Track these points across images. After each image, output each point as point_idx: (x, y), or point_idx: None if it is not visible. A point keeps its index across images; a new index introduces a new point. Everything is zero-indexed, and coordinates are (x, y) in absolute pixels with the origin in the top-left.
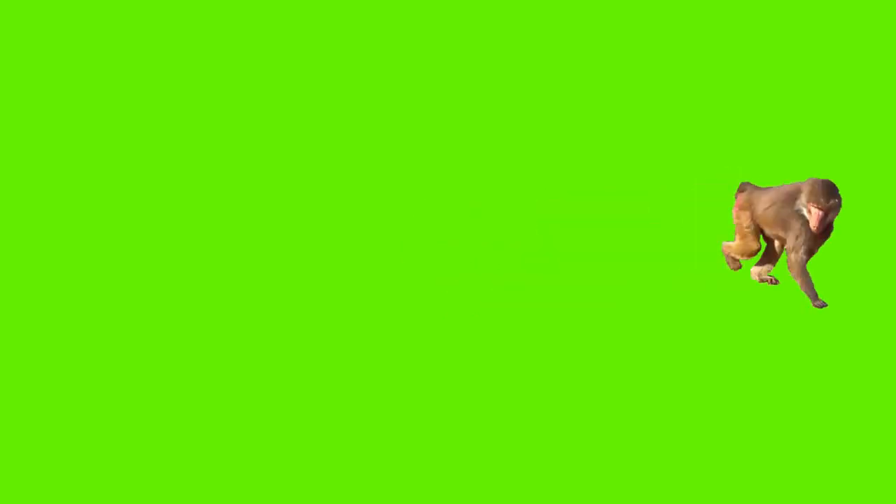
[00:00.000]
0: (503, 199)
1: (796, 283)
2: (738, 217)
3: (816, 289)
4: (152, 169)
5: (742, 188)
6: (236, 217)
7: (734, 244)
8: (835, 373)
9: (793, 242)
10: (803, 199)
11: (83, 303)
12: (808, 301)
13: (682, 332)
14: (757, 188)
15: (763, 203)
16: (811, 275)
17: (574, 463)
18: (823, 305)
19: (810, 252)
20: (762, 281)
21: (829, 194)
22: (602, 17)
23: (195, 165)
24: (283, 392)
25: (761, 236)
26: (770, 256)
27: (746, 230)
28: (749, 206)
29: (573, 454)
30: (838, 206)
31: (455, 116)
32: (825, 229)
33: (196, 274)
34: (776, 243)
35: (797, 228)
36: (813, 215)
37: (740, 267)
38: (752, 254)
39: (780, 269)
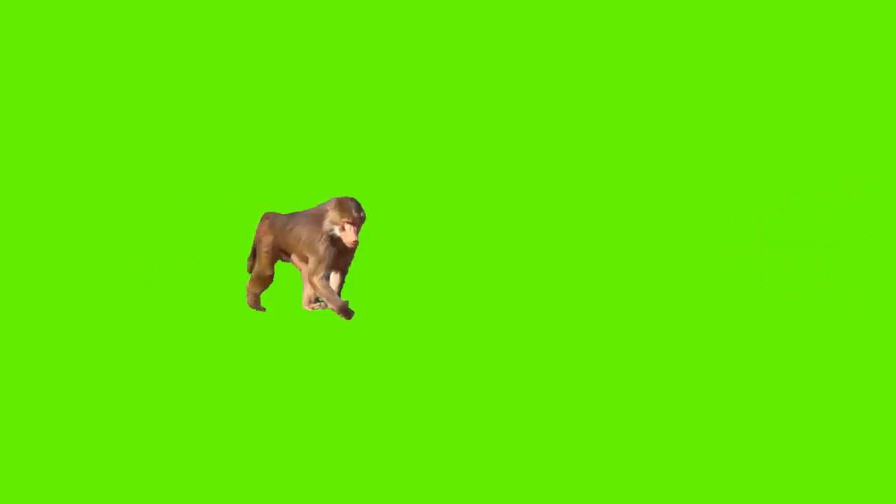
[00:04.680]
0: (498, 200)
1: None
2: (259, 242)
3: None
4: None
5: (265, 217)
6: (233, 216)
7: (253, 275)
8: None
9: (314, 266)
10: (334, 218)
11: (77, 301)
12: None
13: (679, 332)
14: (279, 214)
15: (285, 226)
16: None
17: (565, 466)
18: (350, 313)
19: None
20: (314, 308)
21: (357, 209)
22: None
23: (183, 165)
24: (272, 391)
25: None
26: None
27: (264, 255)
28: (272, 231)
29: (560, 459)
30: (363, 219)
31: (450, 119)
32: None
33: (191, 270)
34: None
35: (320, 252)
36: (347, 232)
37: (259, 305)
38: (266, 281)
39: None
